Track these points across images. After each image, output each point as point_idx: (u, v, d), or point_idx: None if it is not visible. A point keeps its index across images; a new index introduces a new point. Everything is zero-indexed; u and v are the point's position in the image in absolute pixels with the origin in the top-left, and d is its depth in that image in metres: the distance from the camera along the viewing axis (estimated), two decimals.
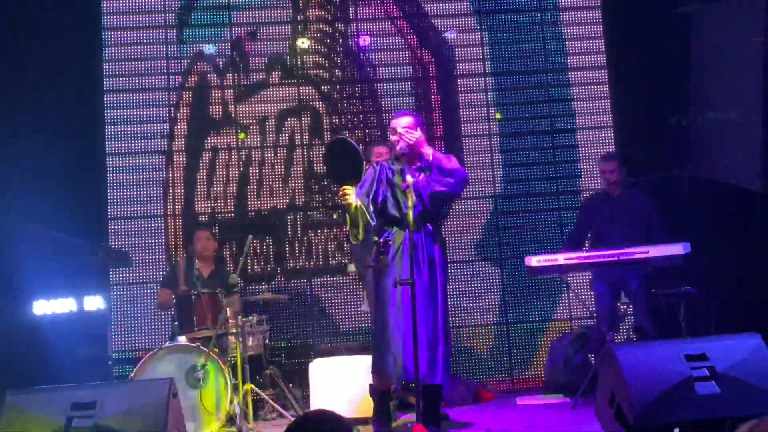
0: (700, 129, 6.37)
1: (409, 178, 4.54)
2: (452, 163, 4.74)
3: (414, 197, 4.50)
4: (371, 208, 4.70)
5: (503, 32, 7.11)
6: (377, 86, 7.08)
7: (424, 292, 4.56)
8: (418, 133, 4.75)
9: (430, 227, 4.72)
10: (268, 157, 6.93)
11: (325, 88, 7.08)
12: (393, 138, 4.80)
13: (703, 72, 6.33)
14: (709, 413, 3.57)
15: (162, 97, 6.90)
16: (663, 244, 5.10)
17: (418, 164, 4.75)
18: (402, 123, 4.80)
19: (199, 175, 6.87)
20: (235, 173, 6.89)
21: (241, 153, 6.91)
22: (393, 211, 4.72)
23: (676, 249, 5.03)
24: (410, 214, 4.42)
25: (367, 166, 4.78)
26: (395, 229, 4.68)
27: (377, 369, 4.63)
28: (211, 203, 6.85)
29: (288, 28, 7.10)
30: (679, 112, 6.42)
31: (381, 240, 4.45)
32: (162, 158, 6.85)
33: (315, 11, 7.13)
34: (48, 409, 3.72)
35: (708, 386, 3.62)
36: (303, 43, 6.99)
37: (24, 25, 6.41)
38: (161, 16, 6.96)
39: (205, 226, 6.50)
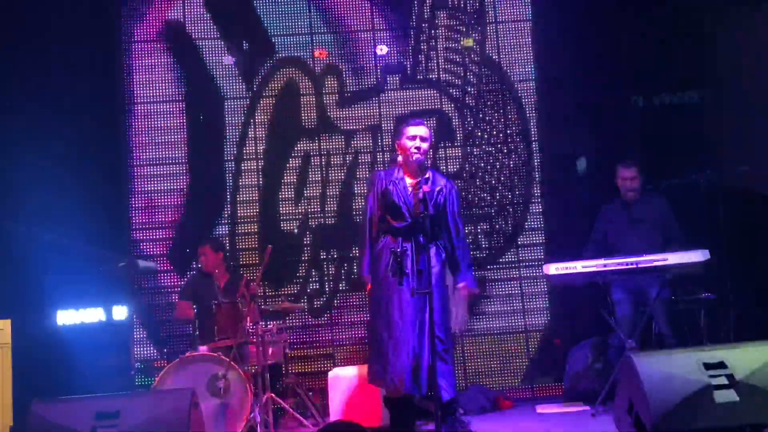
0: (718, 134, 6.34)
1: (425, 187, 4.54)
2: (460, 223, 4.79)
3: (420, 207, 4.49)
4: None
5: None
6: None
7: (422, 301, 4.51)
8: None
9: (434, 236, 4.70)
10: (381, 160, 6.80)
11: (454, 92, 6.97)
12: (413, 144, 4.76)
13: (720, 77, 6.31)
14: (728, 421, 3.56)
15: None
16: (682, 251, 5.06)
17: (421, 176, 4.67)
18: (424, 132, 4.80)
19: (285, 180, 6.84)
20: (340, 177, 6.88)
21: (347, 157, 6.87)
22: (395, 222, 4.72)
23: (696, 256, 4.96)
24: (425, 223, 4.43)
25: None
26: (400, 239, 4.65)
27: (379, 378, 4.57)
28: (302, 207, 6.84)
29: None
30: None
31: (398, 250, 4.45)
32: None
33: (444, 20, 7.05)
34: (73, 419, 3.80)
35: (727, 394, 3.60)
36: (381, 49, 6.95)
37: (51, 33, 6.50)
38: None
39: (211, 242, 6.25)
